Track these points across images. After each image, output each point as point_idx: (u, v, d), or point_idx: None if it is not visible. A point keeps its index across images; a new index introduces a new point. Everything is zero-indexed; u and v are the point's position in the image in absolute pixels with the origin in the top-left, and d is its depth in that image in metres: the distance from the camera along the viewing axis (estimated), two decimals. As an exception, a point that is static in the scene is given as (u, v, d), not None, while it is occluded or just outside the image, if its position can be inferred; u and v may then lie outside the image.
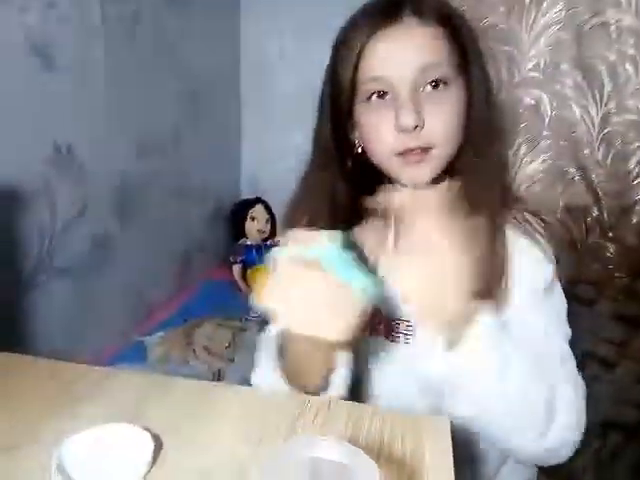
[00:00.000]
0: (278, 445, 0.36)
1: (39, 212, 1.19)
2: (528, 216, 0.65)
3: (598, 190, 1.19)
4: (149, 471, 0.47)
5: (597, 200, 1.19)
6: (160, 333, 1.58)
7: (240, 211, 2.24)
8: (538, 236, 0.64)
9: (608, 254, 1.19)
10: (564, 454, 0.59)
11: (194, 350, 1.56)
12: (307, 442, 0.35)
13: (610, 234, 1.19)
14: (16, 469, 0.47)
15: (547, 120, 1.19)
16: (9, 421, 0.53)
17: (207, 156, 1.99)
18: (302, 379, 0.60)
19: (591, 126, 1.18)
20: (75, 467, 0.46)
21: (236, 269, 2.11)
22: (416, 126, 0.59)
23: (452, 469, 0.46)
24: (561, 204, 1.21)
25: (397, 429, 0.51)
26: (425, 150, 0.61)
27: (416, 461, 0.47)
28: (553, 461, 0.60)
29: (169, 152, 1.73)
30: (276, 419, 0.54)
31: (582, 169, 1.20)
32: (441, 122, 0.61)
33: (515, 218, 0.65)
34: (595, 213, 1.20)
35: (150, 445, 0.48)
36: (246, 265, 2.12)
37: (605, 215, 1.19)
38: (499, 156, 0.68)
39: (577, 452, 0.59)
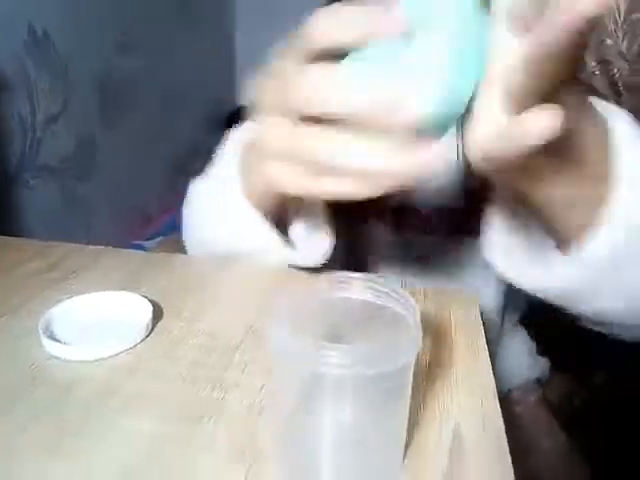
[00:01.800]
0: (300, 285, 0.31)
1: (18, 103, 1.10)
2: None
3: (620, 85, 1.12)
4: (147, 336, 0.43)
5: (618, 95, 1.12)
6: (159, 238, 1.53)
7: (237, 118, 2.13)
8: None
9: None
10: None
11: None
12: (336, 280, 0.30)
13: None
14: (2, 334, 0.42)
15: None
16: (-8, 291, 0.49)
17: (200, 54, 1.85)
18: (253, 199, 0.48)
19: (616, 12, 1.08)
20: (65, 331, 0.42)
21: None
22: None
23: (483, 337, 0.43)
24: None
25: (428, 302, 0.47)
26: None
27: (445, 330, 0.44)
28: None
29: (156, 48, 1.61)
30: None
31: (603, 62, 1.12)
32: None
33: None
34: (616, 110, 1.12)
35: (149, 310, 0.44)
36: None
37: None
38: None
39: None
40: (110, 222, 1.41)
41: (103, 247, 0.59)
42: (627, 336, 0.44)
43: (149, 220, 1.57)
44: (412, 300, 0.28)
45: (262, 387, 0.37)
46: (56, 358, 0.39)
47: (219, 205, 0.50)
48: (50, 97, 1.19)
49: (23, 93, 1.11)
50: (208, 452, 0.32)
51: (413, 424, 0.33)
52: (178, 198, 0.57)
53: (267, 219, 0.48)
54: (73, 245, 0.60)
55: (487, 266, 0.44)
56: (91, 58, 1.33)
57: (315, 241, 0.49)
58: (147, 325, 0.42)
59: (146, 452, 0.31)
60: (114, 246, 0.60)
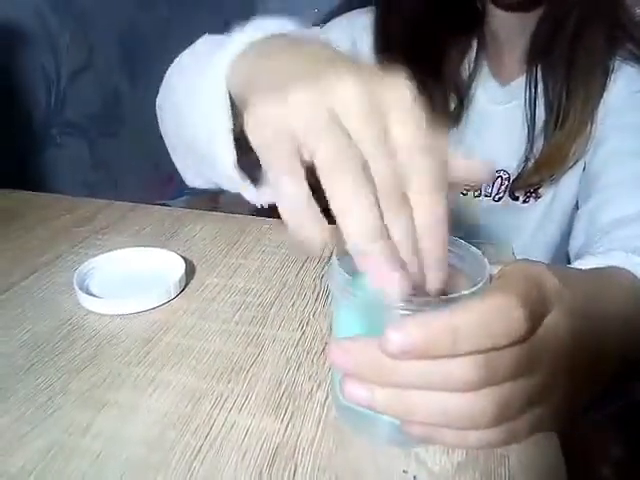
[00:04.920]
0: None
1: (41, 58, 1.09)
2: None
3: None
4: (181, 292, 0.42)
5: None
6: (185, 197, 1.53)
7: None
8: None
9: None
10: None
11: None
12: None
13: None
14: (37, 290, 0.43)
15: None
16: (29, 250, 0.49)
17: (223, 6, 1.80)
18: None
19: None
20: (99, 286, 0.42)
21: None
22: None
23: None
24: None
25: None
26: None
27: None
28: None
29: (179, 1, 1.56)
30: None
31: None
32: None
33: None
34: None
35: (181, 266, 0.43)
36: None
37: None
38: None
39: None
40: (136, 179, 1.41)
41: (132, 204, 0.59)
42: None
43: (174, 179, 1.57)
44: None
45: (298, 341, 0.37)
46: (92, 312, 0.39)
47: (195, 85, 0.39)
48: (73, 52, 1.17)
49: (46, 48, 1.10)
50: (245, 407, 0.31)
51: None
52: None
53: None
54: (102, 201, 0.59)
55: None
56: (113, 12, 1.29)
57: None
58: (180, 281, 0.42)
59: (184, 406, 0.31)
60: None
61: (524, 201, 0.63)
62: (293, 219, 0.25)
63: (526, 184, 0.61)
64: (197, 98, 0.37)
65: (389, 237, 0.24)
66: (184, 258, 0.45)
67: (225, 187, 0.39)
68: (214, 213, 0.57)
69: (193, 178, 0.44)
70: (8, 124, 1.01)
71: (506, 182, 0.62)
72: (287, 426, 0.30)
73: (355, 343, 0.23)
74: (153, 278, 0.43)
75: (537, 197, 0.62)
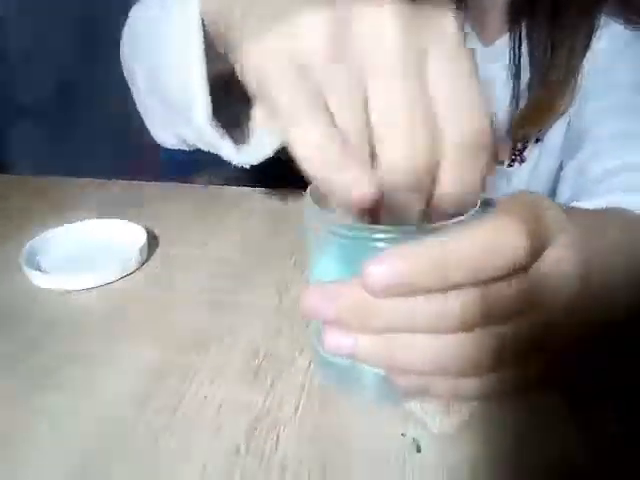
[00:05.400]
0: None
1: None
2: None
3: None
4: (144, 264, 0.39)
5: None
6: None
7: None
8: None
9: None
10: None
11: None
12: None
13: None
14: (-18, 270, 0.38)
15: None
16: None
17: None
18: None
19: None
20: (53, 260, 0.38)
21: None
22: None
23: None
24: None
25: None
26: None
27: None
28: None
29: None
30: (286, 217, 0.46)
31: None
32: None
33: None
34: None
35: (142, 236, 0.39)
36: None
37: None
38: None
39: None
40: (100, 161, 1.36)
41: (90, 179, 0.54)
42: None
43: (141, 160, 1.49)
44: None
45: (277, 308, 0.33)
46: (44, 290, 0.35)
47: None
48: (23, 33, 1.11)
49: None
50: (217, 379, 0.28)
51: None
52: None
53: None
54: (57, 178, 0.55)
55: None
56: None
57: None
58: (142, 252, 0.38)
59: (147, 382, 0.28)
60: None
61: (509, 165, 0.61)
62: (324, 167, 0.20)
63: (512, 141, 0.59)
64: (166, 41, 0.32)
65: None
66: (147, 229, 0.41)
67: (201, 146, 0.34)
68: (182, 185, 0.53)
69: (166, 136, 0.38)
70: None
71: None
72: (266, 396, 0.26)
73: (333, 285, 0.20)
74: (112, 251, 0.39)
75: (522, 161, 0.61)
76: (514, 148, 0.60)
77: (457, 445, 0.24)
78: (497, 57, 0.58)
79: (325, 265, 0.25)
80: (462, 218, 0.22)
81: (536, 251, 0.21)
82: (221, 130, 0.31)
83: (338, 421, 0.25)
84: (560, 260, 0.22)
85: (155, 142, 0.40)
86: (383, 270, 0.18)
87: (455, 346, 0.20)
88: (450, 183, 0.21)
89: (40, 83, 1.17)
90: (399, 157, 0.19)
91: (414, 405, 0.26)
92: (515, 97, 0.57)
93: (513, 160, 0.61)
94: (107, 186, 0.53)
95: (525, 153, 0.60)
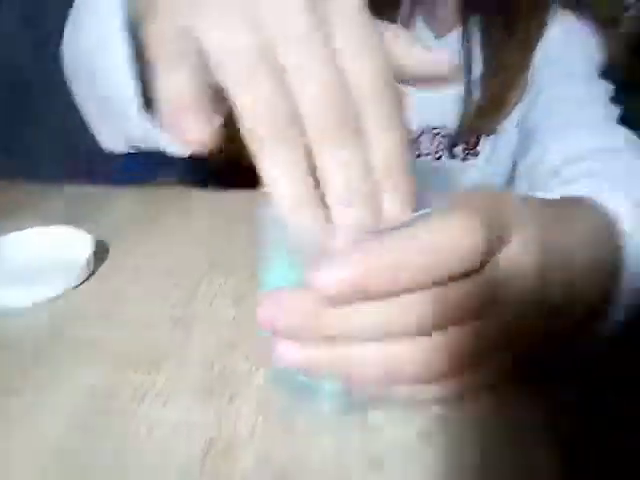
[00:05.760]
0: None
1: None
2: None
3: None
4: (91, 275, 0.36)
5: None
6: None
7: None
8: None
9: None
10: None
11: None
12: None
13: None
14: None
15: None
16: None
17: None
18: None
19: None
20: (-10, 275, 0.35)
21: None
22: None
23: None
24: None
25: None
26: None
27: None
28: None
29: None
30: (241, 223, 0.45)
31: None
32: None
33: None
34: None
35: (89, 245, 0.37)
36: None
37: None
38: None
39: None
40: (52, 167, 1.30)
41: (39, 185, 0.51)
42: None
43: (94, 163, 1.44)
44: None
45: (232, 320, 0.32)
46: (-21, 306, 0.33)
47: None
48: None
49: None
50: (169, 399, 0.26)
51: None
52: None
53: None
54: (2, 182, 0.51)
55: None
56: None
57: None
58: (88, 262, 0.36)
59: (93, 405, 0.26)
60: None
61: (463, 159, 0.62)
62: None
63: (465, 136, 0.59)
64: (92, 24, 0.30)
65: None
66: (96, 239, 0.38)
67: (145, 143, 0.32)
68: (135, 188, 0.51)
69: (109, 139, 0.36)
70: None
71: (444, 139, 0.61)
72: (221, 416, 0.25)
73: (282, 293, 0.19)
74: (56, 262, 0.36)
75: (476, 154, 0.62)
76: (467, 142, 0.61)
77: (421, 460, 0.23)
78: (452, 48, 0.58)
79: (279, 271, 0.24)
80: (417, 215, 0.21)
81: (492, 248, 0.20)
82: (151, 118, 0.29)
83: (297, 439, 0.24)
84: (520, 256, 0.21)
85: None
86: (332, 273, 0.17)
87: (411, 352, 0.19)
88: (372, 115, 0.20)
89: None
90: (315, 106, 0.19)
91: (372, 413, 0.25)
92: (467, 91, 0.57)
93: (467, 154, 0.61)
94: (54, 192, 0.50)
95: (478, 147, 0.61)
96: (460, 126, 0.59)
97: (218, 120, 0.21)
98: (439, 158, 0.62)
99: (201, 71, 0.20)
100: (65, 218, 0.42)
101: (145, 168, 0.65)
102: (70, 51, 0.37)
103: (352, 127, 0.19)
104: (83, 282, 0.36)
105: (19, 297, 0.33)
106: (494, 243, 0.20)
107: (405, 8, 0.59)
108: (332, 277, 0.17)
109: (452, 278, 0.19)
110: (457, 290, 0.19)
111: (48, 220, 0.41)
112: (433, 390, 0.21)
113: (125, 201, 0.48)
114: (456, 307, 0.19)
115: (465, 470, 0.23)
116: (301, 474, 0.22)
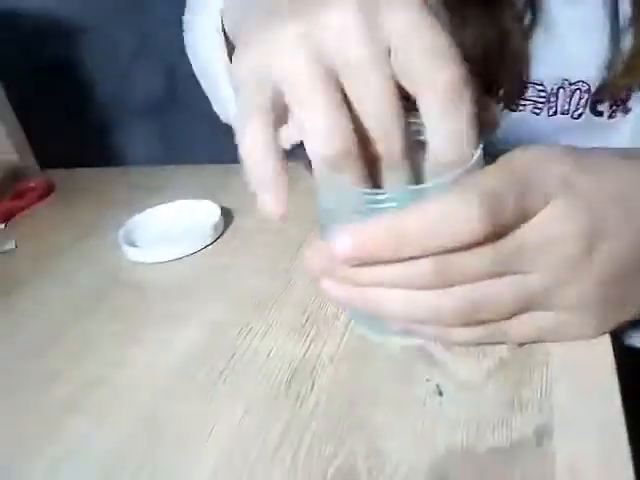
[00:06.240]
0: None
1: (99, 45, 1.15)
2: None
3: None
4: (219, 237, 0.44)
5: None
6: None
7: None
8: None
9: None
10: None
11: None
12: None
13: None
14: (87, 249, 0.46)
15: None
16: (76, 218, 0.53)
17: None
18: None
19: None
20: (144, 239, 0.45)
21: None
22: None
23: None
24: None
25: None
26: None
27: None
28: None
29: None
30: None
31: None
32: None
33: None
34: None
35: (217, 213, 0.44)
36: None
37: None
38: None
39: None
40: (206, 155, 1.47)
41: (181, 165, 0.61)
42: None
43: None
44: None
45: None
46: (136, 262, 0.42)
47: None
48: (130, 39, 1.22)
49: (106, 37, 1.15)
50: (268, 333, 0.32)
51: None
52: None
53: None
54: (151, 168, 0.62)
55: None
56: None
57: None
58: (215, 226, 0.43)
59: (211, 336, 0.33)
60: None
61: (610, 116, 0.54)
62: (252, 176, 0.25)
63: (612, 93, 0.52)
64: (199, 33, 0.37)
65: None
66: (222, 207, 0.46)
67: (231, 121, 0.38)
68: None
69: (219, 110, 0.43)
70: (73, 116, 1.08)
71: (586, 95, 0.54)
72: (308, 347, 0.30)
73: (321, 243, 0.23)
74: (192, 227, 0.44)
75: (626, 111, 0.54)
76: (615, 99, 0.55)
77: (480, 393, 0.26)
78: None
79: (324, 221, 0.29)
80: (444, 180, 0.23)
81: (502, 217, 0.21)
82: None
83: (369, 368, 0.28)
84: (555, 220, 0.22)
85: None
86: (342, 242, 0.21)
87: (430, 301, 0.22)
88: (437, 137, 0.22)
89: (149, 81, 1.29)
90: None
91: (439, 351, 0.28)
92: (613, 40, 0.50)
93: (614, 111, 0.55)
94: (195, 170, 0.59)
95: (629, 103, 0.54)
96: (606, 79, 0.51)
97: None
98: (580, 116, 0.56)
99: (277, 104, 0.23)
100: (200, 193, 0.50)
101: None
102: (187, 37, 0.44)
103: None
104: (213, 242, 0.43)
105: (166, 253, 0.42)
106: (507, 214, 0.21)
107: None
108: (340, 246, 0.21)
109: (458, 248, 0.21)
110: (459, 259, 0.21)
111: (186, 195, 0.50)
112: (458, 333, 0.24)
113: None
114: (458, 273, 0.21)
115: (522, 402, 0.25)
116: (368, 395, 0.26)
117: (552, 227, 0.22)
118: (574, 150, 0.24)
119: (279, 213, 0.24)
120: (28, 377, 0.32)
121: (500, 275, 0.22)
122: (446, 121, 0.22)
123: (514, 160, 0.22)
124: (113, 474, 0.25)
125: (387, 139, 0.22)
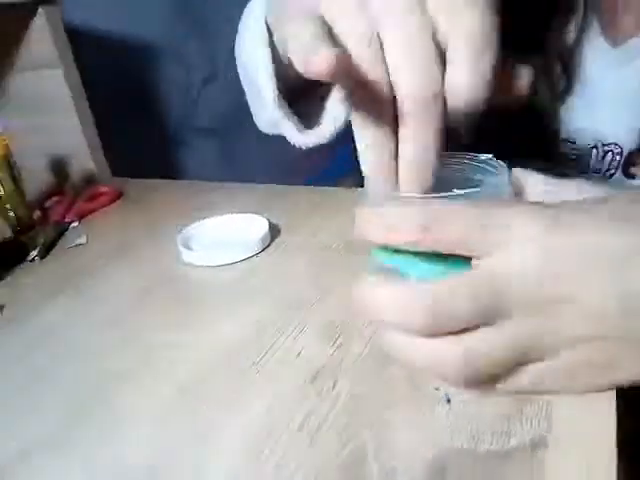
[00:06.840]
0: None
1: (172, 69, 1.23)
2: None
3: None
4: (266, 248, 0.48)
5: None
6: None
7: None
8: None
9: None
10: None
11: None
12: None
13: None
14: (148, 248, 0.51)
15: None
16: (140, 221, 0.59)
17: None
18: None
19: None
20: (198, 245, 0.50)
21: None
22: None
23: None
24: None
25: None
26: None
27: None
28: None
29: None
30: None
31: None
32: None
33: None
34: None
35: (265, 226, 0.49)
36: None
37: None
38: None
39: None
40: (261, 176, 1.53)
41: (239, 184, 0.66)
42: None
43: (306, 175, 1.62)
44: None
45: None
46: (190, 264, 0.47)
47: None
48: (199, 62, 1.31)
49: (175, 60, 1.24)
50: (301, 334, 0.36)
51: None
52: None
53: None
54: (211, 184, 0.68)
55: None
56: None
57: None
58: (263, 238, 0.48)
59: (250, 332, 0.37)
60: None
61: None
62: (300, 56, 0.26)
63: None
64: (245, 34, 0.40)
65: None
66: (269, 221, 0.50)
67: (277, 130, 0.39)
68: (301, 187, 0.62)
69: (260, 122, 0.46)
70: (144, 132, 1.16)
71: (618, 157, 0.56)
72: (334, 351, 0.33)
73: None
74: (242, 238, 0.49)
75: None
76: None
77: (485, 405, 0.28)
78: (628, 59, 0.53)
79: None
80: (466, 191, 0.26)
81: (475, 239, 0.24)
82: (287, 111, 0.36)
83: (385, 373, 0.31)
84: (513, 258, 0.24)
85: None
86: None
87: (427, 350, 0.27)
88: (458, 72, 0.25)
89: (215, 108, 1.37)
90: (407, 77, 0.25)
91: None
92: None
93: None
94: (249, 189, 0.64)
95: None
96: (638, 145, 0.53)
97: None
98: (611, 177, 0.56)
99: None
100: (252, 208, 0.55)
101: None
102: (237, 45, 0.47)
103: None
104: (259, 252, 0.48)
105: (217, 258, 0.46)
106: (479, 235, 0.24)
107: (579, 14, 0.54)
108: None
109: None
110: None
111: (239, 209, 0.55)
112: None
113: (299, 196, 0.60)
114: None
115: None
116: (384, 395, 0.29)
117: (513, 263, 0.24)
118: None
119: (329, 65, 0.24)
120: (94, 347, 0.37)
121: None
122: (469, 61, 0.25)
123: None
124: (156, 439, 0.29)
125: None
